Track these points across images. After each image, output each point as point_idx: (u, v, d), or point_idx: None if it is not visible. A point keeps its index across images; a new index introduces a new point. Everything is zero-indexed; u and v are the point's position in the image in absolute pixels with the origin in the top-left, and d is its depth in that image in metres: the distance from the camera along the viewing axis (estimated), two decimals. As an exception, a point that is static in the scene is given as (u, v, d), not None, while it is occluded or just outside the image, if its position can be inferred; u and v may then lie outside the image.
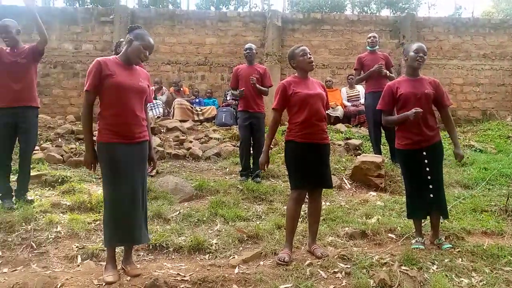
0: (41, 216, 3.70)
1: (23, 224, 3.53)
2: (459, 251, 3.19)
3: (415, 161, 3.34)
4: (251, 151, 5.41)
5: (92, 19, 10.54)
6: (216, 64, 10.51)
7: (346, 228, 3.73)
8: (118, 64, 2.82)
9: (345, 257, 3.08)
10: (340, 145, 6.95)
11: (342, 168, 5.81)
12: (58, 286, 2.63)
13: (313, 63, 3.30)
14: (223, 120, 8.70)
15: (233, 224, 3.89)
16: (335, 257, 3.09)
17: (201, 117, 9.19)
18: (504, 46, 10.96)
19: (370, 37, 6.22)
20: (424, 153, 3.30)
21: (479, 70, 10.81)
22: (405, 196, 4.27)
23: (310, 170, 3.13)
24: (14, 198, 4.00)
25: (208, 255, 3.29)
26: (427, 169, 3.31)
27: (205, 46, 10.58)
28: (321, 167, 3.18)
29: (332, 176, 5.25)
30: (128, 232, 2.80)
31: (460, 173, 5.46)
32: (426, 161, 3.30)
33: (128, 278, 2.76)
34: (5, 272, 2.88)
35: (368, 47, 6.23)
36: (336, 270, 2.90)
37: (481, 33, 11.02)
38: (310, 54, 3.26)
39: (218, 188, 4.82)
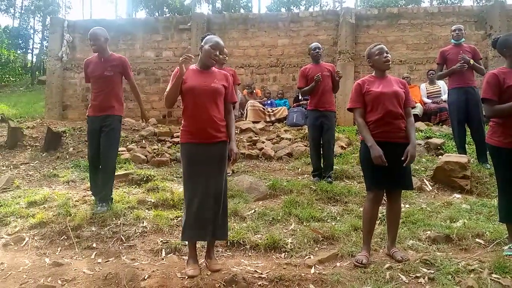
0: (129, 212, 4.02)
1: (114, 219, 3.87)
2: None
3: None
4: (321, 152, 5.34)
5: (171, 27, 11.17)
6: (288, 65, 10.56)
7: (428, 232, 3.54)
8: (194, 71, 3.05)
9: (427, 261, 2.94)
10: (419, 144, 6.58)
11: (423, 168, 5.51)
12: (145, 277, 2.85)
13: (389, 62, 3.19)
14: (294, 120, 8.71)
15: (307, 224, 3.88)
16: (417, 261, 2.96)
17: (273, 118, 9.30)
18: None
19: (455, 29, 5.79)
20: None
21: None
22: (494, 199, 3.94)
23: (386, 170, 3.01)
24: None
25: (283, 254, 3.33)
26: None
27: (277, 48, 10.68)
28: (399, 167, 3.04)
29: (412, 177, 5.06)
30: (202, 228, 2.94)
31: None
32: None
33: (209, 272, 2.90)
34: (100, 262, 3.18)
35: (452, 40, 5.83)
36: (418, 275, 2.78)
37: None
38: (387, 53, 3.16)
39: (291, 188, 4.84)
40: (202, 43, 3.06)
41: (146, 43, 11.18)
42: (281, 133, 8.00)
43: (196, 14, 11.43)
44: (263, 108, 9.46)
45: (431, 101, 8.58)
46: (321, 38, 10.32)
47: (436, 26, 10.09)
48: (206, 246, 3.14)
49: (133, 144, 7.16)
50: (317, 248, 3.42)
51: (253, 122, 8.71)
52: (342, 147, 6.87)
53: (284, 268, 3.02)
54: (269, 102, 9.81)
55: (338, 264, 3.09)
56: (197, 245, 3.15)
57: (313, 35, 10.48)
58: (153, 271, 2.96)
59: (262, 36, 10.79)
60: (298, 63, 10.37)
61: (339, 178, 5.38)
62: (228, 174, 5.10)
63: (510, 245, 3.10)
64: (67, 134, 7.71)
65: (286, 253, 3.34)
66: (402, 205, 4.30)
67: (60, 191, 4.88)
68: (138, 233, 3.66)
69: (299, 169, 5.95)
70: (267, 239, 3.45)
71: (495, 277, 2.64)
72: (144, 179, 5.09)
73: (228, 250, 3.40)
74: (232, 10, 19.91)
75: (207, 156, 2.95)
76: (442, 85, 8.51)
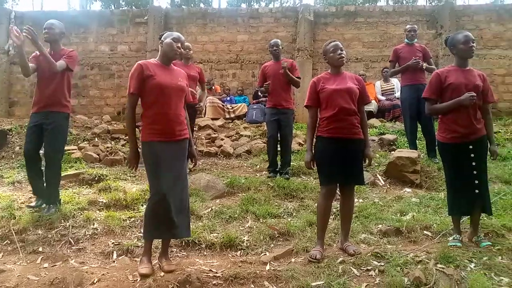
0: (79, 213, 3.85)
1: (62, 221, 3.69)
2: (498, 249, 3.05)
3: (460, 155, 3.20)
4: (278, 148, 5.39)
5: (127, 20, 10.82)
6: (248, 61, 10.53)
7: (380, 225, 3.65)
8: (158, 66, 2.96)
9: (378, 254, 3.02)
10: (373, 140, 6.78)
11: (376, 164, 5.67)
12: (95, 281, 2.74)
13: (344, 59, 3.24)
14: (254, 117, 8.72)
15: (264, 221, 3.89)
16: (368, 254, 3.04)
17: (232, 115, 9.26)
18: (551, 33, 10.31)
19: (410, 30, 5.98)
20: (471, 146, 3.16)
21: (523, 60, 10.22)
22: (442, 192, 4.12)
23: (338, 165, 3.08)
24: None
25: (239, 251, 3.32)
26: (474, 163, 3.17)
27: (237, 44, 10.62)
28: (351, 162, 3.12)
29: (365, 172, 5.19)
30: (167, 227, 2.88)
31: (501, 168, 5.21)
32: (472, 155, 3.16)
33: (162, 274, 2.83)
34: (46, 267, 3.02)
35: (406, 40, 6.03)
36: (369, 267, 2.86)
37: (526, 20, 10.40)
38: (341, 50, 3.21)
39: (249, 185, 4.84)
40: (162, 38, 3.02)
41: (101, 36, 10.77)
42: (240, 130, 7.98)
43: (153, 8, 11.14)
44: (223, 105, 9.39)
45: (385, 98, 8.87)
46: (281, 34, 10.37)
47: (391, 24, 10.41)
48: (160, 246, 3.07)
49: (85, 142, 6.88)
50: (273, 245, 3.44)
51: (212, 119, 8.64)
52: (300, 144, 6.95)
53: (239, 266, 3.01)
54: (228, 98, 9.76)
55: (293, 260, 3.12)
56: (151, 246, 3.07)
57: (273, 32, 10.51)
58: (103, 274, 2.85)
59: (221, 32, 10.69)
60: (257, 59, 10.38)
61: (296, 175, 5.44)
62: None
63: (454, 236, 3.25)
64: (14, 132, 7.27)
65: (242, 250, 3.33)
66: (356, 199, 4.43)
67: (4, 192, 4.60)
68: (88, 235, 3.52)
69: (258, 166, 5.96)
70: (223, 237, 3.43)
71: (440, 267, 2.76)
72: (96, 178, 4.90)
73: (182, 250, 3.35)
74: (192, 5, 19.61)
75: (173, 154, 2.90)
76: (395, 83, 8.81)
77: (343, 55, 3.22)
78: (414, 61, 5.63)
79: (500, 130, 7.59)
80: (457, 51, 3.27)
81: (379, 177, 5.23)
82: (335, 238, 3.44)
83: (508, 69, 10.23)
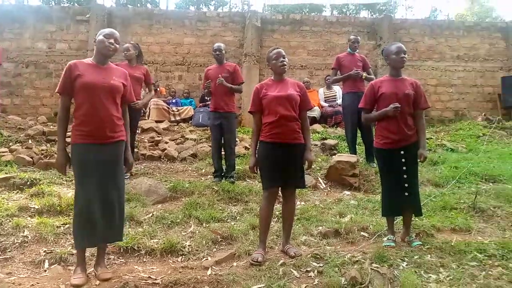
0: (8, 220, 3.58)
1: (-12, 229, 3.41)
2: (428, 247, 3.25)
3: (393, 160, 3.38)
4: (222, 152, 5.38)
5: (67, 18, 10.32)
6: (194, 64, 10.45)
7: (320, 227, 3.75)
8: (90, 65, 2.85)
9: (318, 256, 3.10)
10: (316, 145, 6.99)
11: (318, 168, 5.85)
12: (23, 292, 2.56)
13: (285, 66, 3.31)
14: (200, 121, 8.64)
15: (207, 225, 3.86)
16: (308, 256, 3.11)
17: (178, 118, 9.11)
18: (476, 48, 11.26)
19: (353, 41, 6.24)
20: (402, 152, 3.36)
21: (453, 72, 11.07)
22: (378, 195, 4.32)
23: (279, 169, 3.15)
24: None
25: (181, 257, 3.26)
26: (404, 168, 3.36)
27: (183, 46, 10.50)
28: (292, 166, 3.20)
29: (307, 175, 5.32)
30: (97, 233, 2.74)
31: (432, 172, 5.57)
32: (403, 160, 3.35)
33: (98, 282, 2.70)
34: (-33, 280, 2.77)
35: (349, 49, 6.30)
36: (308, 269, 2.92)
37: (455, 35, 11.29)
38: (283, 57, 3.28)
39: (193, 189, 4.78)
40: (95, 38, 2.91)
41: (38, 33, 10.18)
42: (186, 134, 7.87)
43: (96, 6, 10.67)
44: (168, 107, 9.21)
45: (328, 104, 9.17)
46: (228, 39, 10.41)
47: (334, 34, 10.83)
48: (96, 253, 2.93)
49: (18, 144, 6.42)
50: (215, 249, 3.42)
51: (156, 122, 8.44)
52: (246, 148, 6.98)
53: (180, 271, 2.95)
54: (174, 101, 9.60)
55: (235, 263, 3.11)
56: (87, 253, 2.93)
57: (220, 36, 10.52)
58: (32, 285, 2.67)
59: (167, 33, 10.52)
60: (204, 62, 10.32)
61: (241, 178, 5.46)
62: (126, 177, 4.85)
63: (388, 236, 3.43)
64: None
65: (184, 256, 3.27)
66: (298, 202, 4.53)
67: None
68: (17, 244, 3.28)
69: (203, 170, 5.90)
70: (164, 243, 3.34)
71: (375, 267, 2.88)
72: (28, 183, 4.58)
73: (121, 257, 3.22)
74: (138, 4, 19.09)
75: (103, 158, 2.76)
76: (337, 90, 9.15)
77: (285, 62, 3.30)
78: (355, 72, 5.89)
79: (432, 137, 8.14)
80: (390, 61, 3.47)
81: (321, 181, 5.39)
82: (277, 241, 3.48)
83: (439, 79, 11.03)
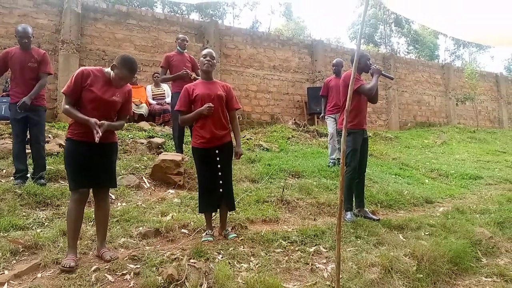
0: None
1: None
2: (242, 239, 3.53)
3: (208, 158, 3.56)
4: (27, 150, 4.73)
5: None
6: (-4, 46, 8.84)
7: (140, 228, 3.65)
8: None
9: (135, 257, 3.02)
10: (142, 143, 6.79)
11: (143, 167, 5.69)
12: None
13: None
14: (3, 113, 7.37)
15: (5, 234, 3.31)
16: (125, 258, 3.00)
17: (-28, 108, 7.55)
18: (289, 60, 12.83)
19: (182, 40, 6.34)
20: (217, 151, 3.56)
21: (270, 80, 12.34)
22: (200, 192, 4.44)
23: (90, 169, 2.97)
24: None
25: (-38, 275, 2.71)
26: (219, 166, 3.57)
27: (-20, 23, 8.78)
28: (102, 165, 3.04)
29: (130, 175, 5.12)
30: None
31: (249, 169, 6.07)
32: (218, 158, 3.56)
33: None
34: None
35: (178, 48, 6.34)
36: (124, 272, 2.81)
37: (272, 47, 12.61)
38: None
39: (-14, 193, 4.04)
40: None
41: None
42: (-19, 127, 6.58)
43: None
44: (-43, 95, 7.54)
45: (156, 102, 9.03)
46: (41, 22, 9.20)
47: (162, 32, 10.73)
48: None
49: None
50: (14, 261, 2.96)
51: None
52: (60, 145, 6.26)
53: (-38, 293, 2.46)
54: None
55: (39, 275, 2.76)
56: None
57: (31, 17, 9.19)
58: None
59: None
60: (11, 45, 8.81)
61: (53, 179, 4.88)
62: None
63: (207, 231, 3.59)
64: None
65: (-33, 274, 2.73)
66: (119, 203, 4.33)
67: None
68: None
69: (4, 171, 5.03)
70: None
71: (192, 262, 2.97)
72: None
73: None
74: None
75: None
76: (166, 88, 9.10)
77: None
78: (184, 72, 5.98)
79: (251, 137, 8.88)
80: (200, 64, 3.73)
81: (145, 180, 5.26)
82: (92, 246, 3.24)
83: (259, 86, 12.13)
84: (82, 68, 3.05)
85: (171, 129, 7.08)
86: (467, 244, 3.76)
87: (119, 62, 2.93)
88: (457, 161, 9.69)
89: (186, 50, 6.46)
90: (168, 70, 6.26)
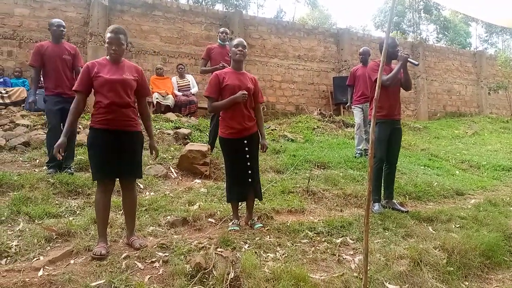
0: None
1: None
2: (268, 229, 3.54)
3: (237, 149, 3.57)
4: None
5: None
6: (28, 39, 9.11)
7: (168, 217, 3.72)
8: None
9: (164, 245, 3.08)
10: (169, 134, 6.89)
11: (170, 157, 5.78)
12: None
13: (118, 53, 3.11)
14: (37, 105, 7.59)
15: (40, 222, 3.44)
16: (154, 246, 3.06)
17: (7, 100, 7.84)
18: (314, 50, 12.66)
19: (223, 32, 6.27)
20: (245, 141, 3.56)
21: (294, 70, 12.23)
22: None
23: (110, 158, 3.00)
24: None
25: (5, 259, 2.83)
26: (247, 156, 3.57)
27: (14, 18, 9.04)
28: (125, 155, 3.06)
29: (158, 165, 5.21)
30: None
31: (274, 160, 6.06)
32: (246, 149, 3.57)
33: None
34: None
35: (219, 41, 6.26)
36: (154, 259, 2.87)
37: (297, 36, 12.46)
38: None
39: (23, 182, 4.18)
40: None
41: None
42: (16, 119, 6.83)
43: None
44: (-7, 88, 7.85)
45: (181, 93, 9.12)
46: (70, 15, 9.42)
47: (187, 23, 10.78)
48: None
49: None
50: (49, 248, 3.07)
51: (-23, 104, 7.11)
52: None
53: (3, 276, 2.57)
54: (1, 80, 8.22)
55: (72, 261, 2.85)
56: None
57: (61, 10, 9.41)
58: None
59: (-10, 0, 8.92)
60: (42, 38, 9.06)
61: (84, 169, 5.02)
62: None
63: (233, 221, 3.61)
64: None
65: (9, 258, 2.85)
66: (148, 193, 4.41)
67: None
68: None
69: (37, 161, 5.22)
70: (-19, 245, 2.86)
71: (219, 251, 3.00)
72: None
73: None
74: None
75: None
76: (190, 79, 9.16)
77: (115, 49, 3.08)
78: (220, 65, 5.94)
79: (276, 128, 8.86)
80: (231, 54, 3.66)
81: (172, 170, 5.34)
82: (122, 234, 3.32)
83: (283, 76, 12.05)
84: (86, 63, 3.13)
85: (197, 120, 7.12)
86: (500, 237, 3.65)
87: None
88: (489, 152, 9.36)
89: (227, 43, 6.28)
90: (208, 62, 6.24)
